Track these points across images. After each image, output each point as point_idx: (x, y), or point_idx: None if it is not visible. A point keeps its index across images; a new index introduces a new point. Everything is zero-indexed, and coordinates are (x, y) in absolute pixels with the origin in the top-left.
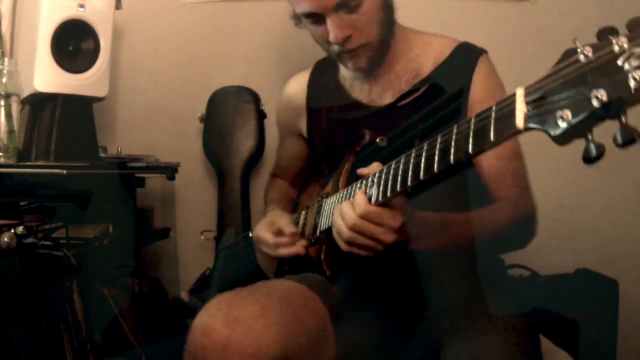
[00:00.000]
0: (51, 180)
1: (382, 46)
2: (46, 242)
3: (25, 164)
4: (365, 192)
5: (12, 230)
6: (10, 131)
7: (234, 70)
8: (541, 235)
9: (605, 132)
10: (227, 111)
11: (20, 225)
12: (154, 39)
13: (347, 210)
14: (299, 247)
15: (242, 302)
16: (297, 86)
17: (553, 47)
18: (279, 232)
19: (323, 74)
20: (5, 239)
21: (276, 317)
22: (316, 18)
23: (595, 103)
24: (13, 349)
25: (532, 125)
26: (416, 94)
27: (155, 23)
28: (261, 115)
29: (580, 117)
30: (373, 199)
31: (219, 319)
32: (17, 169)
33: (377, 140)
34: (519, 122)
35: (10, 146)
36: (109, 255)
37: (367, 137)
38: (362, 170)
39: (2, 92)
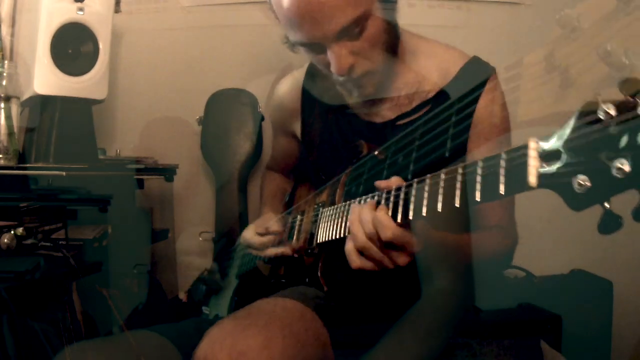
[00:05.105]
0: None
1: (388, 70)
2: (46, 243)
3: (25, 165)
4: (387, 208)
5: (12, 232)
6: (10, 133)
7: (232, 73)
8: (536, 236)
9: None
10: (225, 114)
11: (20, 226)
12: (153, 41)
13: (367, 218)
14: (284, 248)
15: (244, 334)
16: (291, 88)
17: None
18: (265, 232)
19: (318, 77)
20: (5, 240)
21: (279, 349)
22: (314, 47)
23: (615, 173)
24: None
25: (545, 186)
26: (417, 114)
27: (154, 26)
28: (259, 118)
29: (598, 186)
30: (399, 218)
31: (224, 353)
32: (16, 171)
33: (376, 153)
34: (532, 179)
35: (10, 148)
36: (108, 256)
37: (364, 150)
38: (379, 183)
39: (2, 95)
